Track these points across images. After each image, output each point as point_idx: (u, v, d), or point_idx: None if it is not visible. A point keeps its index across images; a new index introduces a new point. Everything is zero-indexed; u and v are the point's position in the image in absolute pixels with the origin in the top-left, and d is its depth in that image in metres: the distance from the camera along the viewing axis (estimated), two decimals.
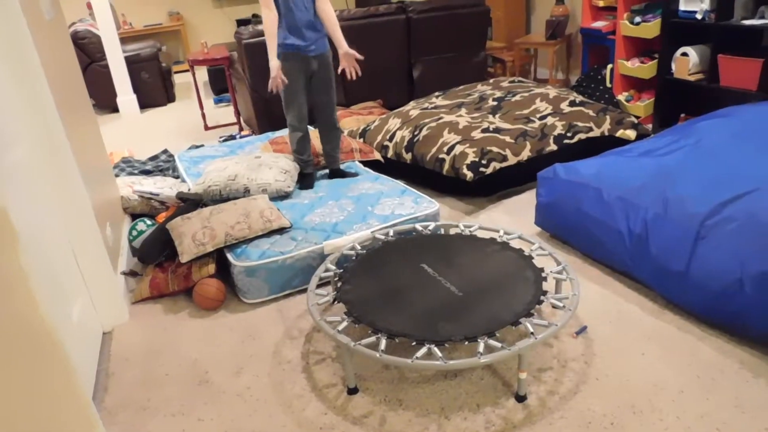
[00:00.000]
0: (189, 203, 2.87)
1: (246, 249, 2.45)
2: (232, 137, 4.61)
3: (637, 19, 4.02)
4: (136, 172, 3.81)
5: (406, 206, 2.74)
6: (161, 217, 3.02)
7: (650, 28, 3.90)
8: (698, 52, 3.67)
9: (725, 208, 2.00)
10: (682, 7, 3.68)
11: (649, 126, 4.08)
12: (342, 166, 3.25)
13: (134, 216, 3.12)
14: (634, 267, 2.23)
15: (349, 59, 2.90)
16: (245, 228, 2.50)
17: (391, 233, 2.46)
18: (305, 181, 3.13)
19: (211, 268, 2.46)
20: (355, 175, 3.19)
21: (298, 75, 2.92)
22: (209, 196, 2.90)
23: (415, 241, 2.34)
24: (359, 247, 2.37)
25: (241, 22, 8.84)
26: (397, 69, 4.70)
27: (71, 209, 2.16)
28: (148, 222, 2.84)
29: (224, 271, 2.55)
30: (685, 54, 3.72)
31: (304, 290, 2.47)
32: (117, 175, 3.63)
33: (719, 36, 3.49)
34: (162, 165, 3.96)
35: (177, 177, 3.68)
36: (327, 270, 2.25)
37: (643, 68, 4.06)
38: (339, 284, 2.11)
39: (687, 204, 2.09)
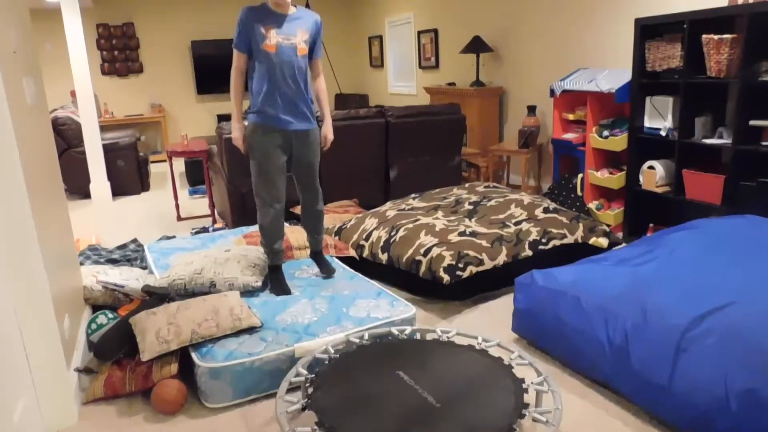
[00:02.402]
0: (155, 297, 2.76)
1: (212, 349, 2.32)
2: (204, 230, 4.55)
3: (605, 132, 4.21)
4: (102, 260, 3.69)
5: (382, 309, 2.67)
6: (124, 310, 2.89)
7: (618, 141, 4.09)
8: (664, 166, 3.84)
9: (704, 321, 1.99)
10: (647, 124, 3.88)
11: (620, 234, 4.17)
12: (310, 262, 3.18)
13: (96, 308, 2.98)
14: (615, 378, 2.17)
15: (324, 141, 2.92)
16: (213, 326, 2.39)
17: (366, 337, 2.38)
18: (276, 280, 2.86)
19: (174, 368, 2.32)
20: (333, 271, 3.08)
21: (274, 151, 2.72)
22: (174, 290, 2.79)
23: (391, 347, 2.26)
24: (333, 351, 2.27)
25: (222, 117, 9.05)
26: (374, 169, 4.79)
27: (28, 296, 2.04)
28: (110, 315, 2.71)
29: (186, 372, 2.40)
30: (651, 167, 3.88)
31: (272, 395, 2.33)
32: (82, 263, 3.50)
33: (683, 152, 3.67)
34: (130, 255, 3.85)
35: (145, 268, 3.56)
36: (298, 374, 2.13)
37: (612, 179, 4.21)
38: (310, 390, 1.99)
39: (666, 315, 2.08)
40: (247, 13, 2.69)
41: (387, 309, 2.67)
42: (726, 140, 3.45)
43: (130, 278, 3.11)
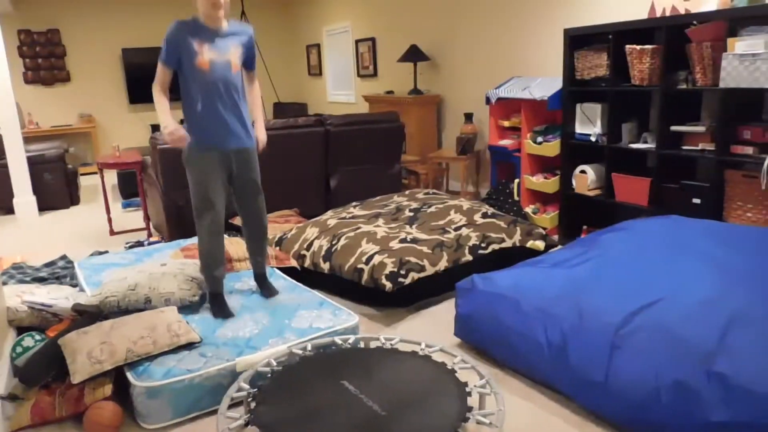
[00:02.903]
0: (86, 316, 2.63)
1: (149, 367, 2.24)
2: (139, 243, 4.39)
3: (539, 138, 4.35)
4: (28, 279, 3.49)
5: (325, 319, 2.65)
6: (53, 331, 2.74)
7: (551, 147, 4.23)
8: (595, 170, 3.99)
9: (635, 318, 2.08)
10: (578, 130, 4.03)
11: (556, 237, 4.30)
12: (251, 274, 3.08)
13: (21, 330, 2.81)
14: (555, 378, 2.23)
15: (261, 145, 2.86)
16: (149, 343, 2.30)
17: (309, 348, 2.35)
18: (218, 305, 2.71)
19: (108, 389, 2.22)
20: (276, 293, 2.93)
21: (212, 170, 2.61)
22: (107, 308, 2.68)
23: (335, 356, 2.24)
24: (275, 364, 2.23)
25: (156, 127, 8.77)
26: (314, 178, 4.76)
27: None
28: (37, 337, 2.56)
29: (122, 393, 2.30)
30: (583, 171, 4.03)
31: (214, 412, 2.27)
32: (5, 283, 3.31)
33: (612, 156, 3.83)
34: (59, 272, 3.67)
35: (75, 286, 3.40)
36: (240, 389, 2.08)
37: (546, 183, 4.34)
38: (253, 405, 1.95)
39: (600, 314, 2.15)
40: (178, 28, 2.56)
41: (330, 319, 2.65)
42: (651, 145, 3.62)
43: (59, 297, 2.96)
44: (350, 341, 2.41)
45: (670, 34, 3.36)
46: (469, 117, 5.38)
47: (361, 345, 2.43)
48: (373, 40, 7.31)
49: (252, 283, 3.10)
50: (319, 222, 3.71)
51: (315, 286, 3.43)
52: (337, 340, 2.41)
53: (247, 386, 2.10)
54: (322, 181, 4.82)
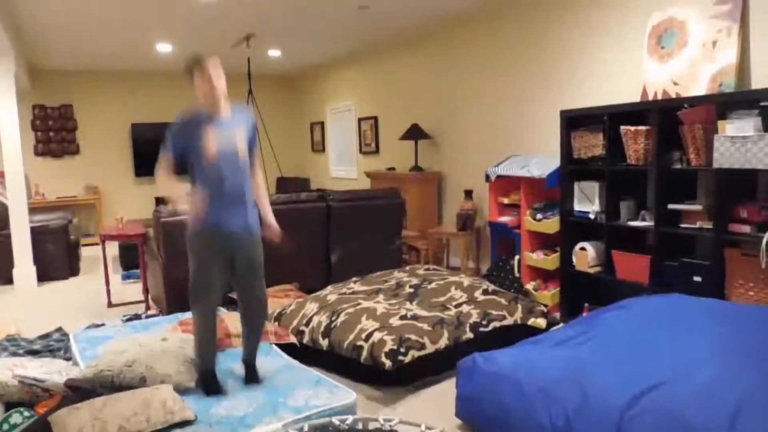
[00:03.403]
0: (78, 393, 2.57)
1: None
2: (137, 316, 4.35)
3: (539, 215, 4.39)
4: (20, 352, 3.44)
5: (321, 397, 2.58)
6: (42, 407, 2.67)
7: (551, 224, 4.26)
8: (595, 248, 4.01)
9: (641, 400, 2.03)
10: (577, 207, 4.08)
11: (557, 314, 4.26)
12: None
13: (10, 405, 2.74)
14: None
15: (271, 233, 2.81)
16: (143, 421, 2.23)
17: (306, 428, 2.28)
18: (211, 383, 2.65)
19: None
20: (258, 382, 2.80)
21: (213, 256, 2.60)
22: (100, 383, 2.61)
23: None
24: None
25: (160, 200, 8.90)
26: (315, 253, 4.77)
27: None
28: (26, 413, 2.49)
29: None
30: (583, 248, 4.04)
31: None
32: None
33: (611, 234, 3.86)
34: (53, 345, 3.61)
35: (69, 359, 3.34)
36: None
37: (547, 260, 4.35)
38: None
39: (605, 396, 2.10)
40: (183, 124, 2.60)
41: (327, 396, 2.59)
42: (649, 222, 3.66)
43: (51, 371, 2.90)
44: (348, 422, 2.33)
45: (662, 116, 3.47)
46: (469, 194, 5.46)
47: (360, 426, 2.35)
48: (375, 118, 7.53)
49: None
50: (318, 297, 3.69)
51: (313, 362, 3.36)
52: (335, 420, 2.34)
53: None
54: (322, 255, 4.83)
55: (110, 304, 4.91)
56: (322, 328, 3.30)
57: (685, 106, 3.42)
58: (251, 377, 2.82)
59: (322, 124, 9.11)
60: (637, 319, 2.66)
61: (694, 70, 3.59)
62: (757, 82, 3.37)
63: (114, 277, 6.14)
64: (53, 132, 8.28)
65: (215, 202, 2.60)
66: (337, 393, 2.63)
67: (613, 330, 2.60)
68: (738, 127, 3.09)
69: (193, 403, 2.53)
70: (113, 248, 7.90)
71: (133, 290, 5.48)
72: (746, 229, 3.14)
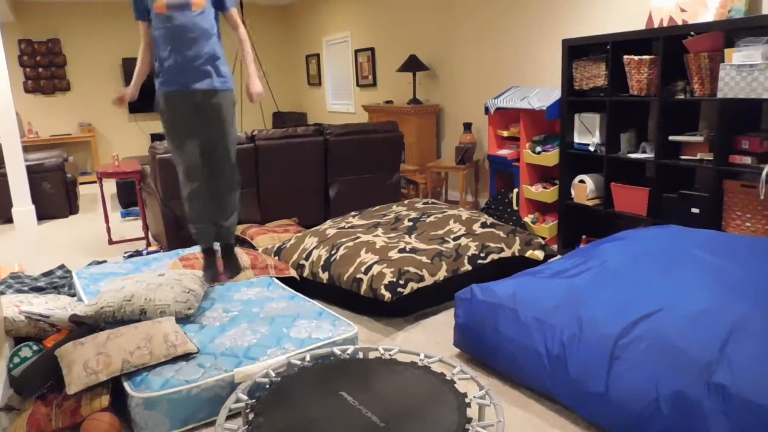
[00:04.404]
0: (84, 327, 2.62)
1: (147, 378, 2.22)
2: (138, 253, 4.38)
3: (538, 148, 4.36)
4: (25, 289, 3.48)
5: (324, 329, 2.64)
6: (51, 341, 2.73)
7: (550, 157, 4.23)
8: (594, 180, 4.00)
9: (635, 328, 2.07)
10: (576, 140, 4.04)
11: (555, 246, 4.30)
12: (253, 280, 3.03)
13: (18, 340, 2.80)
14: (554, 389, 2.22)
15: (250, 95, 2.69)
16: (146, 354, 2.29)
17: (308, 358, 2.34)
18: (208, 265, 2.69)
19: (105, 400, 2.21)
20: (238, 271, 2.85)
21: (181, 117, 2.57)
22: (102, 319, 2.66)
23: (334, 367, 2.23)
24: (273, 375, 2.22)
25: (155, 137, 8.80)
26: (313, 188, 4.76)
27: None
28: (35, 347, 2.55)
29: (120, 404, 2.29)
30: (582, 181, 4.03)
31: (212, 423, 2.25)
32: (2, 293, 3.30)
33: (610, 166, 3.84)
34: (57, 282, 3.66)
35: (73, 296, 3.39)
36: (238, 400, 2.07)
37: (545, 193, 4.34)
38: (251, 416, 1.94)
39: (600, 324, 2.15)
40: None
41: (329, 329, 2.64)
42: (649, 155, 3.63)
43: (56, 307, 2.95)
44: (349, 352, 2.40)
45: (667, 45, 3.37)
46: (468, 127, 5.39)
47: (360, 356, 2.42)
48: (372, 50, 7.34)
49: (251, 293, 3.09)
50: (318, 231, 3.71)
51: (314, 295, 3.42)
52: (336, 350, 2.40)
53: (245, 397, 2.09)
54: (321, 190, 4.82)
55: (111, 242, 4.94)
56: (321, 262, 3.33)
57: (692, 33, 3.32)
58: (229, 265, 2.86)
59: (318, 56, 8.89)
60: (634, 250, 2.68)
61: None
62: (765, 8, 3.26)
63: (113, 214, 6.15)
64: (42, 68, 8.08)
65: (172, 60, 2.54)
66: (338, 325, 2.68)
67: (609, 261, 2.62)
68: (745, 55, 3.01)
69: (197, 335, 2.59)
70: (111, 186, 7.88)
71: (133, 227, 5.50)
72: (747, 160, 3.12)
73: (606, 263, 2.60)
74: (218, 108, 2.65)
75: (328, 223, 3.91)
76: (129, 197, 6.13)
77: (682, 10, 3.57)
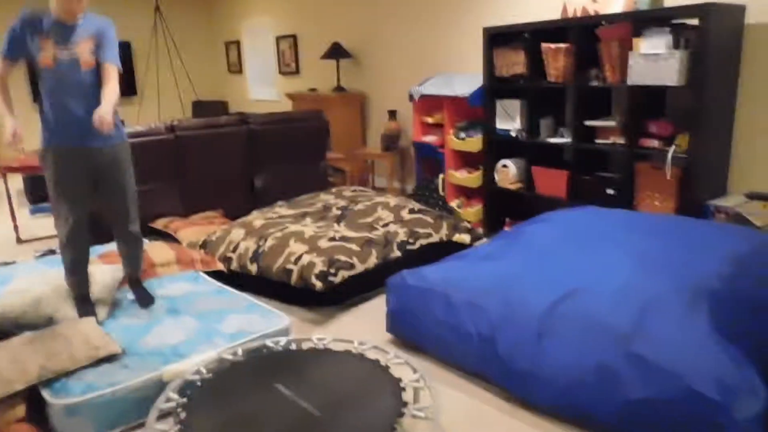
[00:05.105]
0: None
1: (66, 383, 2.11)
2: (51, 252, 4.13)
3: (462, 134, 4.44)
4: None
5: (255, 322, 2.59)
6: None
7: (474, 142, 4.33)
8: (516, 165, 4.13)
9: (559, 306, 2.17)
10: (499, 125, 4.15)
11: (481, 230, 4.41)
12: (179, 275, 2.97)
13: None
14: (486, 369, 2.29)
15: (96, 120, 2.41)
16: (65, 359, 2.16)
17: (240, 353, 2.29)
18: (82, 307, 2.59)
19: (20, 410, 2.07)
20: (150, 301, 2.78)
21: (62, 176, 2.47)
22: (2, 326, 2.45)
23: (267, 360, 2.19)
24: (205, 371, 2.16)
25: None
26: (237, 178, 4.64)
27: None
28: None
29: (39, 413, 2.16)
30: (505, 166, 4.15)
31: (142, 425, 2.17)
32: None
33: (531, 151, 3.97)
34: None
35: None
36: (168, 400, 2.00)
37: (470, 178, 4.45)
38: (183, 415, 1.88)
39: (526, 304, 2.23)
40: (23, 22, 2.41)
41: (260, 322, 2.60)
42: (567, 139, 3.79)
43: None
44: (282, 344, 2.37)
45: (581, 34, 3.52)
46: (393, 114, 5.42)
47: (293, 347, 2.39)
48: (294, 37, 7.21)
49: (177, 288, 2.98)
50: (244, 223, 3.63)
51: (243, 288, 3.35)
52: (268, 343, 2.37)
53: (176, 396, 2.02)
54: (246, 180, 4.71)
55: (19, 240, 4.63)
56: (250, 254, 3.26)
57: (603, 23, 3.48)
58: (141, 297, 2.80)
59: (238, 43, 8.65)
60: (555, 232, 2.80)
61: None
62: (670, 0, 3.46)
63: (21, 211, 5.75)
64: None
65: (59, 116, 2.45)
66: (270, 317, 2.64)
67: (533, 243, 2.72)
68: (651, 45, 3.18)
69: (122, 334, 2.48)
70: (17, 181, 7.35)
71: (45, 224, 5.17)
72: (655, 143, 3.32)
73: (530, 245, 2.70)
74: (112, 163, 2.58)
75: (255, 213, 3.83)
76: (39, 192, 5.75)
77: (594, 1, 3.72)
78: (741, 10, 3.15)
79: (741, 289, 2.13)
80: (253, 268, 3.22)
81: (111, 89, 2.47)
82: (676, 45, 3.16)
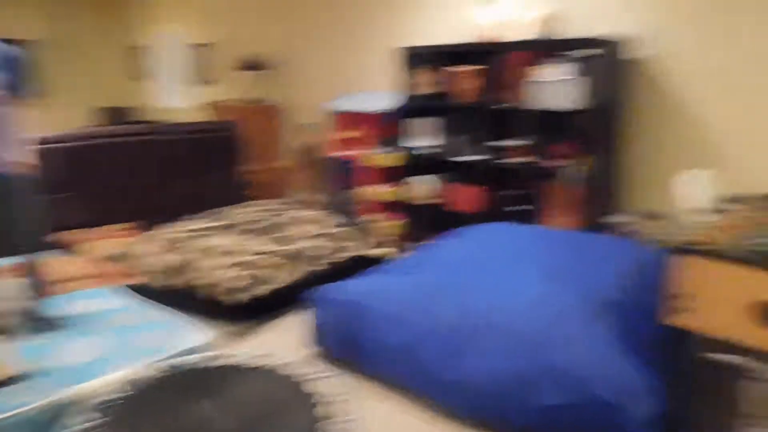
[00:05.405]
0: None
1: None
2: None
3: (378, 150, 4.54)
4: None
5: (174, 338, 2.51)
6: None
7: (391, 158, 4.43)
8: (433, 181, 4.27)
9: (478, 318, 2.27)
10: (416, 142, 4.28)
11: (400, 244, 4.51)
12: (92, 290, 2.82)
13: None
14: (407, 380, 2.35)
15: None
16: None
17: (158, 370, 2.22)
18: None
19: None
20: (56, 327, 2.72)
21: None
22: None
23: (186, 377, 2.14)
24: (120, 390, 2.07)
25: None
26: (152, 190, 4.47)
27: None
28: None
29: None
30: (422, 182, 4.29)
31: None
32: None
33: (448, 168, 4.13)
34: None
35: None
36: (78, 422, 1.90)
37: (387, 193, 4.54)
38: None
39: (447, 316, 2.32)
40: None
41: (180, 337, 2.52)
42: (482, 157, 3.97)
43: None
44: (202, 359, 2.31)
45: (492, 58, 3.72)
46: (310, 127, 5.44)
47: (214, 362, 2.35)
48: (209, 45, 7.06)
49: (90, 304, 2.83)
50: (164, 235, 3.51)
51: (161, 303, 3.23)
52: (188, 359, 2.30)
53: (86, 418, 1.92)
54: (160, 192, 4.54)
55: None
56: (170, 267, 3.16)
57: (513, 49, 3.70)
58: (49, 315, 2.66)
59: (148, 49, 8.33)
60: (471, 246, 2.93)
61: (519, 15, 3.87)
62: (571, 31, 3.74)
63: None
64: None
65: None
66: (190, 333, 2.57)
67: (450, 257, 2.84)
68: (553, 71, 3.43)
69: (30, 353, 2.32)
70: None
71: None
72: (561, 163, 3.56)
73: (448, 259, 2.81)
74: (11, 204, 2.47)
75: (174, 227, 3.72)
76: None
77: (503, 28, 3.95)
78: (630, 43, 3.46)
79: (636, 298, 2.34)
80: (173, 282, 3.12)
81: (15, 136, 2.36)
82: (575, 72, 3.42)
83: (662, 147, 3.50)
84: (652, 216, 2.31)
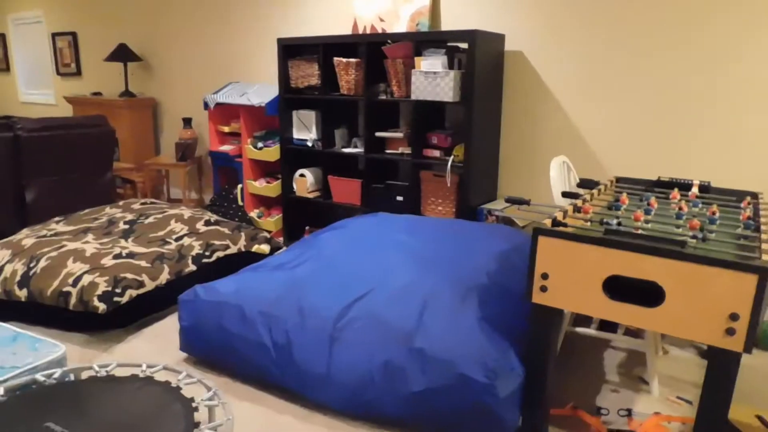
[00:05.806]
0: None
1: None
2: None
3: (260, 144, 4.42)
4: None
5: (21, 355, 2.29)
6: None
7: (271, 152, 4.34)
8: (313, 174, 4.22)
9: (350, 310, 2.26)
10: (296, 135, 4.21)
11: (281, 239, 4.43)
12: None
13: None
14: (282, 377, 2.30)
15: None
16: None
17: (2, 392, 2.01)
18: None
19: None
20: None
21: None
22: None
23: (38, 397, 1.95)
24: None
25: None
26: (3, 192, 4.07)
27: None
28: None
29: None
30: (302, 175, 4.22)
31: None
32: None
33: (327, 160, 4.10)
34: None
35: None
36: None
37: (269, 187, 4.44)
38: None
39: (319, 310, 2.29)
40: None
41: (28, 354, 2.30)
42: (360, 149, 3.97)
43: None
44: (56, 376, 2.13)
45: (370, 50, 3.72)
46: (187, 122, 5.20)
47: (71, 377, 2.17)
48: (74, 34, 6.54)
49: None
50: (11, 243, 3.19)
51: (9, 318, 2.95)
52: (39, 377, 2.11)
53: None
54: (14, 194, 4.14)
55: None
56: (18, 277, 2.88)
57: (389, 41, 3.72)
58: None
59: (4, 37, 7.59)
60: (347, 238, 2.92)
61: (396, 8, 3.90)
62: (446, 24, 3.83)
63: None
64: None
65: None
66: (41, 348, 2.36)
67: (327, 249, 2.81)
68: (429, 64, 3.49)
69: None
70: None
71: None
72: (436, 153, 3.64)
73: (323, 252, 2.78)
74: None
75: (25, 231, 3.40)
76: None
77: (381, 20, 3.97)
78: (501, 38, 3.60)
79: (502, 281, 2.44)
80: (21, 294, 2.85)
81: None
82: (450, 65, 3.50)
83: (534, 136, 3.68)
84: (523, 201, 2.42)
